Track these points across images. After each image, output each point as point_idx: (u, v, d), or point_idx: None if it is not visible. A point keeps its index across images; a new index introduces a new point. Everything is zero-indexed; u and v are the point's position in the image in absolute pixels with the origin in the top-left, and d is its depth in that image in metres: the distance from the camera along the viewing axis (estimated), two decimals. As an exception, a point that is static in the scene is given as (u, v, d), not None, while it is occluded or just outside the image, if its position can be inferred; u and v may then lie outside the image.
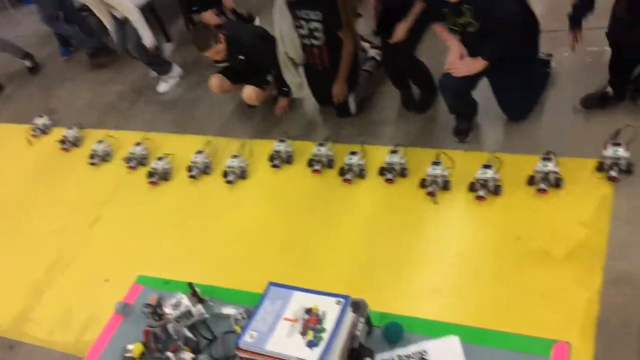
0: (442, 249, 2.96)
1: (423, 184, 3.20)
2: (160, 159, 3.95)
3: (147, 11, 4.83)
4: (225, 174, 3.73)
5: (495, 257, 2.81)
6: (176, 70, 4.93)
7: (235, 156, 3.75)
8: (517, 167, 3.12)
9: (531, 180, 3.01)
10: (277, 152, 3.72)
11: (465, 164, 3.24)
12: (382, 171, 3.37)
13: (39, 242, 3.85)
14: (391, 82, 3.81)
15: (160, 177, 3.92)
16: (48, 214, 4.05)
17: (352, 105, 3.90)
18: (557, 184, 2.95)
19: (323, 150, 3.56)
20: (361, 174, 3.44)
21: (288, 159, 3.72)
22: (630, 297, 2.46)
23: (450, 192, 3.16)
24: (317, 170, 3.56)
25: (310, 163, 3.60)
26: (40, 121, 4.85)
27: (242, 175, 3.74)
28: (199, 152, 3.87)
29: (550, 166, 2.94)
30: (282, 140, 3.74)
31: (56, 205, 4.11)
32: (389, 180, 3.32)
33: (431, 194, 3.13)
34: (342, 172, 3.46)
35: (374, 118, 3.88)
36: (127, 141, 4.35)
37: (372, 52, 4.15)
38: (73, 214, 3.97)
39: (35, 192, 4.29)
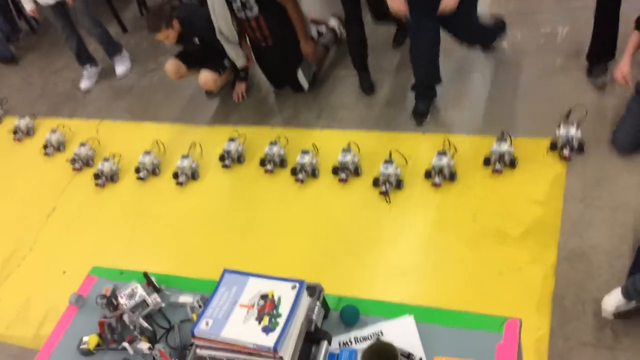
0: (398, 233, 2.99)
1: (376, 183, 3.17)
2: (106, 159, 3.82)
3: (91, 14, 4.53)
4: (175, 175, 3.63)
5: (452, 237, 2.86)
6: (125, 52, 4.83)
7: (185, 156, 3.64)
8: (473, 148, 3.17)
9: (487, 162, 3.06)
10: (228, 152, 3.62)
11: (421, 147, 3.28)
12: (336, 170, 3.32)
13: (-7, 234, 3.75)
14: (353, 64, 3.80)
15: (107, 178, 3.80)
16: (3, 206, 3.95)
17: (303, 80, 3.85)
18: (512, 164, 3.00)
19: (275, 149, 3.48)
20: (314, 173, 3.37)
21: (239, 159, 3.64)
22: (584, 273, 2.53)
23: (406, 179, 3.17)
24: (269, 170, 3.49)
25: (263, 163, 3.53)
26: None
27: (194, 176, 3.64)
28: (147, 152, 3.75)
29: (505, 146, 2.99)
30: (232, 140, 3.64)
31: (11, 197, 4.01)
32: (342, 180, 3.28)
33: (384, 194, 3.12)
34: (294, 172, 3.39)
35: (332, 102, 3.87)
36: (82, 130, 4.26)
37: (333, 23, 4.14)
38: (29, 205, 3.87)
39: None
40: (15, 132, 4.42)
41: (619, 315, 2.26)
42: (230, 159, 3.61)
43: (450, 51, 3.62)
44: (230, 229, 3.30)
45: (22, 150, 4.36)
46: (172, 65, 4.03)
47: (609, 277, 2.48)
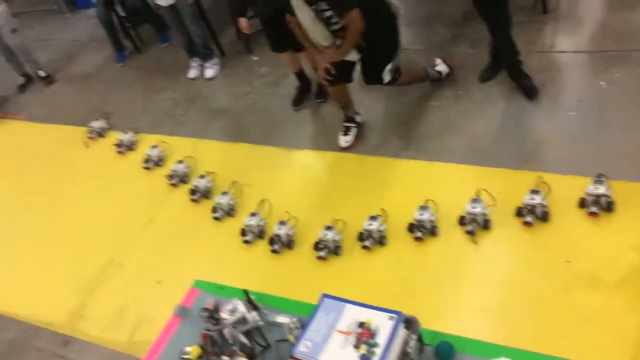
0: (485, 272, 2.96)
1: (462, 221, 3.15)
2: (202, 176, 3.99)
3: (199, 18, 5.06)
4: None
5: (543, 279, 2.80)
6: (216, 58, 5.36)
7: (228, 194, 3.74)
8: (567, 189, 3.10)
9: (582, 203, 2.99)
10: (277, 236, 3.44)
11: (512, 184, 3.25)
12: (411, 228, 3.23)
13: (94, 241, 4.00)
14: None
15: (202, 194, 3.98)
16: (104, 215, 4.21)
17: (387, 75, 3.69)
18: (609, 207, 2.92)
19: (330, 235, 3.27)
20: (381, 241, 3.25)
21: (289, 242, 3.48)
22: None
23: (494, 216, 3.13)
24: (322, 257, 3.28)
25: (316, 247, 3.33)
26: (97, 124, 5.04)
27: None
28: (224, 193, 3.83)
29: (602, 189, 2.91)
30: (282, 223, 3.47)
31: (111, 207, 4.26)
32: (418, 239, 3.18)
33: (470, 233, 3.09)
34: (361, 238, 3.28)
35: (421, 131, 3.91)
36: (179, 147, 4.51)
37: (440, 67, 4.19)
38: (127, 216, 4.11)
39: (92, 193, 4.45)
40: (118, 146, 4.73)
41: None
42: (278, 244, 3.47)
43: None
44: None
45: (123, 163, 4.64)
46: (287, 58, 4.31)
47: None
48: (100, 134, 5.03)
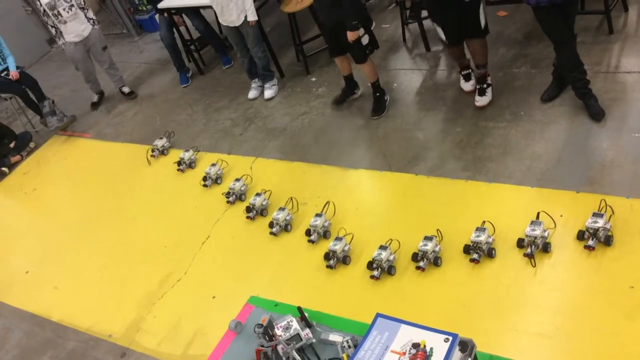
0: (546, 294, 2.87)
1: (520, 244, 3.09)
2: (258, 194, 4.07)
3: (261, 40, 5.17)
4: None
5: (605, 305, 2.70)
6: (275, 79, 5.48)
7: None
8: (633, 213, 2.99)
9: (648, 228, 2.87)
10: (332, 252, 3.44)
11: (574, 207, 3.16)
12: (467, 249, 3.20)
13: (154, 256, 4.13)
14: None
15: (258, 212, 4.05)
16: (164, 230, 4.33)
17: (483, 19, 3.94)
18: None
19: (384, 254, 3.26)
20: (436, 262, 3.21)
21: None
22: None
23: (554, 239, 3.05)
24: (375, 277, 3.26)
25: (370, 266, 3.31)
26: (160, 143, 5.22)
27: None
28: (281, 209, 3.86)
29: (671, 213, 2.79)
30: (338, 239, 3.47)
31: (171, 222, 4.39)
32: (474, 261, 3.13)
33: (529, 256, 3.01)
34: (415, 259, 3.23)
35: (479, 153, 3.85)
36: (237, 165, 4.61)
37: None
38: (186, 232, 4.22)
39: (153, 209, 4.60)
40: (179, 164, 4.87)
41: None
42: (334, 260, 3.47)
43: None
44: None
45: (184, 181, 4.77)
46: (340, 63, 4.66)
47: None
48: (162, 152, 5.20)
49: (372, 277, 3.25)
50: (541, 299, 2.86)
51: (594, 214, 2.94)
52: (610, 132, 3.58)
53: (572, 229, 3.05)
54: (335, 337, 1.90)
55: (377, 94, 4.60)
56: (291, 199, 3.99)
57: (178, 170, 4.86)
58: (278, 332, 1.91)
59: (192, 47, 6.30)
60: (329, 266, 3.41)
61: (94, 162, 5.59)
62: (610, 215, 2.98)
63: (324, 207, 3.77)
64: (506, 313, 2.87)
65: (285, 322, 1.93)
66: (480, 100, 4.22)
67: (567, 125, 3.75)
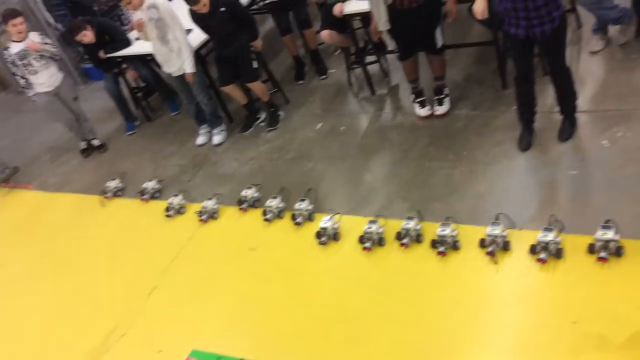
0: (497, 332, 2.90)
1: (482, 243, 3.25)
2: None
3: (206, 89, 5.23)
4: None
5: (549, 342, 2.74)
6: (223, 124, 5.52)
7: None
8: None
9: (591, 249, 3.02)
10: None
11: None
12: (434, 244, 3.39)
13: (98, 308, 3.98)
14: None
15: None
16: (110, 281, 4.21)
17: (439, 38, 4.19)
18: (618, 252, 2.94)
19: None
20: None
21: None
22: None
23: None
24: (368, 248, 3.56)
25: (361, 240, 3.61)
26: (113, 184, 5.18)
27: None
28: None
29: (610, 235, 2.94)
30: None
31: (117, 273, 4.26)
32: (441, 253, 3.33)
33: (491, 254, 3.18)
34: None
35: (424, 194, 3.90)
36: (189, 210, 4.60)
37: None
38: (132, 283, 4.10)
39: (100, 259, 4.48)
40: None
41: None
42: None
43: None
44: (324, 314, 3.28)
45: (133, 228, 4.69)
46: (232, 92, 5.17)
47: None
48: (116, 193, 5.15)
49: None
50: (490, 337, 2.88)
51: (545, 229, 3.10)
52: (548, 169, 3.69)
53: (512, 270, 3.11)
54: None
55: (272, 109, 5.28)
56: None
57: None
58: (219, 387, 1.85)
59: (139, 94, 6.27)
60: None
61: (39, 214, 5.43)
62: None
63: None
64: (459, 352, 2.86)
65: (225, 376, 1.88)
66: (440, 109, 4.50)
67: (507, 164, 3.86)
